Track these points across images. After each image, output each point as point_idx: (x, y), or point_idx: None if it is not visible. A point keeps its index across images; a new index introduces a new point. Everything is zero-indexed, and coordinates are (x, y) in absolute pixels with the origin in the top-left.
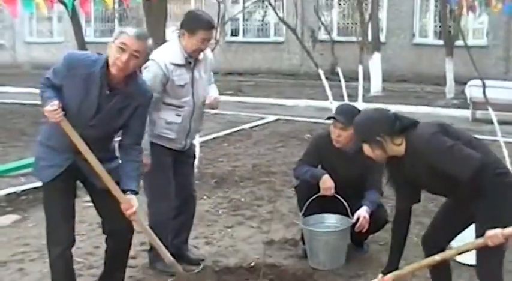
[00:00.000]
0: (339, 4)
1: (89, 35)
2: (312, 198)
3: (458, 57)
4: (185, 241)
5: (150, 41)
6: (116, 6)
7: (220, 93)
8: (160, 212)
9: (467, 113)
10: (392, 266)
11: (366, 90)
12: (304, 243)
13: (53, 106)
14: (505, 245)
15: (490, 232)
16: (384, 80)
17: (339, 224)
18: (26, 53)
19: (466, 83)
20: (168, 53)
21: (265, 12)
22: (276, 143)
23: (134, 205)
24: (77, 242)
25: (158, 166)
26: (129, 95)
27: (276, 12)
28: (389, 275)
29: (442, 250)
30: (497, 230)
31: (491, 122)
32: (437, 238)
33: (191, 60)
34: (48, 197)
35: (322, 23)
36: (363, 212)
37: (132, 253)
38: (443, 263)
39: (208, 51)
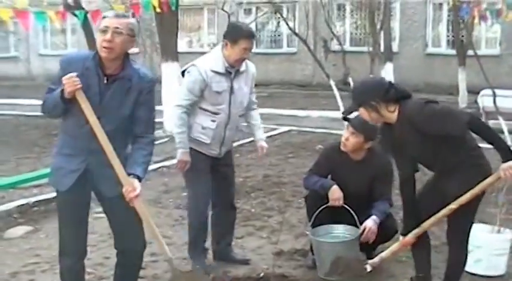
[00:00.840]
0: (352, 15)
1: None
2: (320, 209)
3: (471, 67)
4: (229, 244)
5: (131, 19)
6: None
7: None
8: (200, 211)
9: None
10: (409, 227)
11: None
12: (313, 253)
13: (72, 74)
14: (476, 208)
15: (504, 165)
16: None
17: (348, 234)
18: (40, 65)
19: (478, 93)
20: (210, 61)
21: (278, 23)
22: (288, 154)
23: (137, 188)
24: (87, 253)
25: (192, 168)
26: (126, 81)
27: (287, 24)
28: (410, 235)
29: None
30: (511, 163)
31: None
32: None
33: (231, 71)
34: (63, 207)
35: (334, 34)
36: (370, 223)
37: None
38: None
39: (251, 64)
